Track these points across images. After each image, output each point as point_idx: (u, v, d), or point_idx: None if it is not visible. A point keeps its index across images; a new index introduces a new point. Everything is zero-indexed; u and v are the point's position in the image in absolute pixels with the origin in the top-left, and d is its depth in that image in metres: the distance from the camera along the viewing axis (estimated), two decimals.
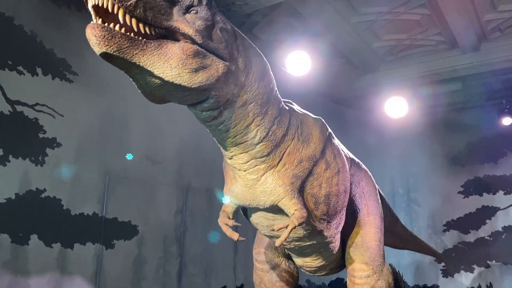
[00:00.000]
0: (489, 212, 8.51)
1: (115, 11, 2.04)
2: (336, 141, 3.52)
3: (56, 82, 4.30)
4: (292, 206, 2.99)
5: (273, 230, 3.43)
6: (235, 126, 2.72)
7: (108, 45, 2.07)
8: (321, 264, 3.91)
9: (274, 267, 4.02)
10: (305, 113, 3.48)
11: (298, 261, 4.04)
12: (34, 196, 4.17)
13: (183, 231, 5.38)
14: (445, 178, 8.95)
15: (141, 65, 2.20)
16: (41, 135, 4.23)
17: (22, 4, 4.30)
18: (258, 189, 3.02)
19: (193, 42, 2.39)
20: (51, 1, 4.51)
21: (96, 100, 4.65)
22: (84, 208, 4.41)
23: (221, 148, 3.00)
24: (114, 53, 2.09)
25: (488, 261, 8.36)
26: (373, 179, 4.10)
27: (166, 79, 2.34)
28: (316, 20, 8.08)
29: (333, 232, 3.75)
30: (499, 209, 8.53)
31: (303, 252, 3.83)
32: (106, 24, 2.05)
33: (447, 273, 8.44)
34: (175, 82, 2.33)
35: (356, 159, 3.92)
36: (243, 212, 3.44)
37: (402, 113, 9.12)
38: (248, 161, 2.90)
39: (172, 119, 5.51)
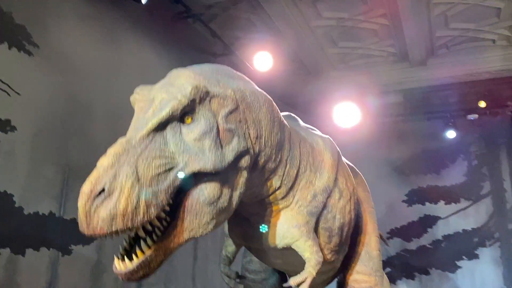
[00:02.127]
0: (430, 221, 8.86)
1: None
2: (343, 159, 3.25)
3: (13, 53, 3.54)
4: (307, 249, 2.65)
5: (281, 265, 3.10)
6: (250, 188, 2.32)
7: (157, 262, 1.77)
8: (321, 281, 3.65)
9: (266, 278, 3.66)
10: (312, 132, 3.15)
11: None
12: None
13: None
14: (390, 187, 9.18)
15: (186, 241, 1.81)
16: None
17: None
18: (270, 231, 2.66)
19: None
20: None
21: (58, 80, 3.94)
22: (40, 206, 3.68)
23: None
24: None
25: (428, 268, 8.68)
26: (366, 183, 3.91)
27: (202, 235, 1.89)
28: (278, 19, 7.88)
29: (341, 258, 3.48)
30: (440, 218, 8.92)
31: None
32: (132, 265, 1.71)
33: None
34: (211, 230, 1.90)
35: (350, 163, 3.69)
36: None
37: (350, 121, 9.20)
38: (259, 206, 2.54)
39: None
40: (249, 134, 2.15)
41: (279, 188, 2.51)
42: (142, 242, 1.76)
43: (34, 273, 3.61)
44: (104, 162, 1.63)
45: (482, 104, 8.62)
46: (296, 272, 3.51)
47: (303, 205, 2.68)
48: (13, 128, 3.49)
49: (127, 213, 1.59)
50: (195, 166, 1.81)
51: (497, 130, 8.96)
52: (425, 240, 8.83)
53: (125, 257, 1.76)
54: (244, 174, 2.12)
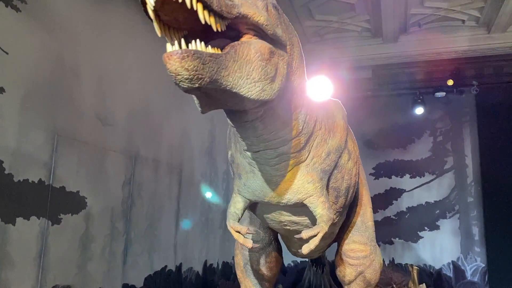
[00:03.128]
0: (396, 193, 9.23)
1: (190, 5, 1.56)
2: None
3: (0, 8, 3.26)
4: (320, 205, 2.69)
5: (285, 225, 3.10)
6: (273, 123, 2.31)
7: (201, 79, 1.65)
8: (319, 248, 3.71)
9: (264, 246, 3.70)
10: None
11: (294, 245, 3.78)
12: None
13: (130, 205, 4.70)
14: None
15: (228, 88, 1.76)
16: None
17: None
18: (283, 185, 2.65)
19: (260, 35, 1.89)
20: None
21: (46, 39, 3.68)
22: (29, 174, 3.49)
23: (239, 141, 2.54)
24: (207, 85, 1.69)
25: (392, 238, 9.11)
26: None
27: (251, 97, 1.85)
28: None
29: (341, 222, 3.57)
30: (404, 191, 9.31)
31: (305, 241, 3.58)
32: (187, 44, 1.63)
33: None
34: (257, 99, 1.87)
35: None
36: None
37: (322, 94, 9.25)
38: (277, 157, 2.51)
39: (124, 76, 4.73)
40: (288, 34, 2.16)
41: (299, 134, 2.50)
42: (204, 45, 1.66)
43: (25, 243, 3.46)
44: None
45: (450, 82, 8.94)
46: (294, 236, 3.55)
47: (318, 162, 2.70)
48: (1, 90, 3.25)
49: None
50: (248, 10, 1.79)
51: (462, 108, 9.35)
52: (390, 211, 9.22)
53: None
54: (285, 66, 2.06)
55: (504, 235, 8.47)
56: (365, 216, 3.81)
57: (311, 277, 7.09)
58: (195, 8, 1.59)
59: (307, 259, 6.91)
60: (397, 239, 9.07)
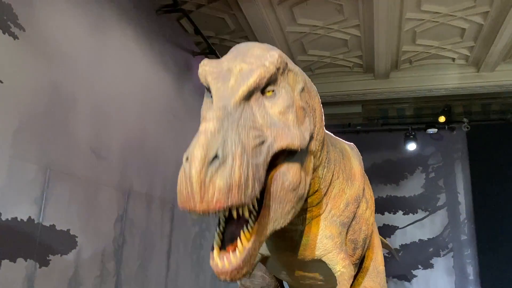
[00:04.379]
0: (389, 230, 9.08)
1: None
2: None
3: None
4: (339, 262, 2.49)
5: (298, 279, 2.90)
6: None
7: (248, 272, 1.56)
8: None
9: (265, 286, 3.46)
10: (336, 138, 3.03)
11: None
12: None
13: (122, 243, 4.42)
14: None
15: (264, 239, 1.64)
16: None
17: None
18: (299, 241, 2.47)
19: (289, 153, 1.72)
20: None
21: (43, 68, 3.49)
22: (18, 211, 3.21)
23: None
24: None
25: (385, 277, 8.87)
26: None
27: (282, 226, 1.73)
28: (254, 21, 7.70)
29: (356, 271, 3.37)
30: (398, 228, 9.17)
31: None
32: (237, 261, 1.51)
33: None
34: (289, 221, 1.76)
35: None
36: None
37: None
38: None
39: (121, 106, 4.54)
40: (312, 118, 2.00)
41: (316, 191, 2.33)
42: (241, 233, 1.53)
43: None
44: (209, 126, 1.39)
45: (442, 119, 8.99)
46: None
47: (336, 215, 2.51)
48: None
49: (241, 184, 1.36)
50: (283, 142, 1.61)
51: (454, 144, 9.38)
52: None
53: (227, 252, 1.51)
54: (312, 160, 1.95)
55: (498, 276, 8.34)
56: (376, 261, 3.61)
57: None
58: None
59: None
60: (390, 277, 8.86)
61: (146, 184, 4.87)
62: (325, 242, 2.45)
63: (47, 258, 3.43)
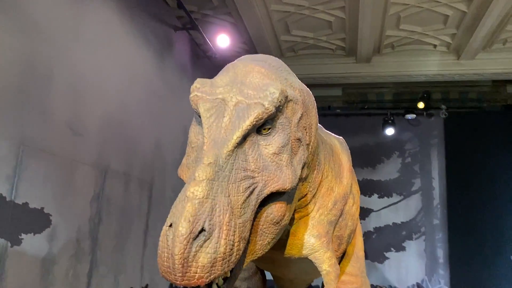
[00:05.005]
0: (364, 213, 9.21)
1: None
2: None
3: None
4: (326, 261, 2.48)
5: (282, 272, 2.88)
6: None
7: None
8: (307, 283, 3.52)
9: (250, 276, 3.45)
10: (326, 132, 2.97)
11: (286, 283, 3.57)
12: None
13: (98, 222, 4.32)
14: None
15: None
16: None
17: None
18: (286, 240, 2.43)
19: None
20: None
21: (18, 40, 3.29)
22: None
23: None
24: None
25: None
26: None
27: (257, 257, 1.73)
28: None
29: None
30: (372, 210, 9.31)
31: (300, 280, 3.37)
32: None
33: None
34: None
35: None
36: None
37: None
38: None
39: (99, 84, 4.36)
40: (307, 142, 1.93)
41: (304, 196, 2.30)
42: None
43: None
44: (198, 192, 1.35)
45: (421, 105, 9.07)
46: (293, 281, 3.32)
47: (324, 214, 2.48)
48: None
49: (225, 257, 1.34)
50: (274, 186, 1.59)
51: (431, 131, 9.51)
52: None
53: None
54: (300, 186, 1.92)
55: (467, 260, 8.61)
56: (356, 246, 3.64)
57: None
58: None
59: None
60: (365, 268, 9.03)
61: (124, 163, 4.74)
62: (312, 242, 2.43)
63: (19, 237, 3.31)
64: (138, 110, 4.99)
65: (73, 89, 3.93)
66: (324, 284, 2.44)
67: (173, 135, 6.06)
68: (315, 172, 2.32)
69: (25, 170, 3.36)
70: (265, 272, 3.72)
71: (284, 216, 1.71)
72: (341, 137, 3.11)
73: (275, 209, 1.66)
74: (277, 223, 1.68)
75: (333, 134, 3.02)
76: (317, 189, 2.39)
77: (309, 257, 2.46)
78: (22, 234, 3.35)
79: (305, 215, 2.39)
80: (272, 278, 4.35)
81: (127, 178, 4.76)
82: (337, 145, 2.86)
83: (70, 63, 3.86)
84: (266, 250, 1.72)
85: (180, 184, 5.39)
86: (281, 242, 2.37)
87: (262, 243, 1.66)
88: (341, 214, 2.65)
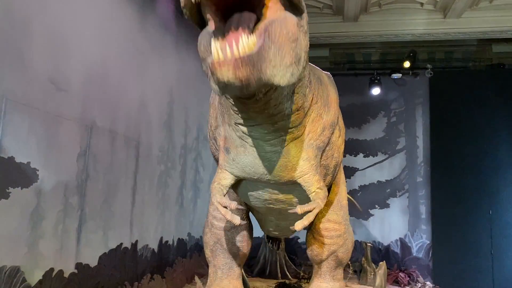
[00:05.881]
0: (350, 172, 9.37)
1: None
2: None
3: None
4: (314, 183, 2.58)
5: (269, 203, 2.94)
6: (276, 98, 2.13)
7: (250, 84, 1.55)
8: (289, 232, 3.61)
9: (236, 225, 3.53)
10: (315, 67, 3.01)
11: (270, 224, 3.64)
12: None
13: (85, 178, 4.34)
14: None
15: (263, 82, 1.62)
16: None
17: None
18: (277, 162, 2.50)
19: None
20: None
21: None
22: None
23: (230, 114, 2.34)
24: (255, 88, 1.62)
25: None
26: None
27: (282, 84, 1.71)
28: None
29: None
30: (358, 169, 9.47)
31: (285, 219, 3.45)
32: (238, 50, 1.51)
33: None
34: (287, 84, 1.73)
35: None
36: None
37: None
38: (274, 132, 2.36)
39: (80, 36, 4.28)
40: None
41: (299, 109, 2.34)
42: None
43: None
44: None
45: (407, 64, 9.08)
46: (275, 221, 3.42)
47: (313, 138, 2.58)
48: None
49: None
50: None
51: (416, 90, 9.57)
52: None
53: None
54: (306, 38, 1.98)
55: (448, 215, 8.88)
56: (340, 195, 3.75)
57: (267, 253, 7.04)
58: None
59: (262, 235, 6.86)
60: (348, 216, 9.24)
61: (109, 120, 4.72)
62: (301, 164, 2.52)
63: (7, 190, 3.32)
64: (120, 66, 4.93)
65: (53, 44, 3.86)
66: (312, 201, 2.53)
67: (158, 94, 6.03)
68: (308, 89, 2.37)
69: (8, 124, 3.34)
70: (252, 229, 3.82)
71: (296, 39, 1.74)
72: (328, 72, 3.17)
73: (289, 25, 1.70)
74: (292, 41, 1.70)
75: (320, 69, 3.06)
76: (308, 110, 2.44)
77: (299, 180, 2.55)
78: (10, 188, 3.36)
79: (296, 138, 2.46)
80: (260, 228, 4.46)
81: (113, 135, 4.76)
82: (324, 77, 2.94)
83: (50, 11, 3.77)
84: (286, 80, 1.71)
85: (167, 143, 5.44)
86: (272, 163, 2.44)
87: (282, 61, 1.67)
88: (328, 143, 2.74)
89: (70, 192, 4.12)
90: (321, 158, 2.72)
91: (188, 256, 6.94)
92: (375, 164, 9.47)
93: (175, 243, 6.55)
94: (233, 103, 2.18)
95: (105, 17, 4.72)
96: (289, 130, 2.38)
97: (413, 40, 9.65)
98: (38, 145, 3.69)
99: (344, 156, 9.62)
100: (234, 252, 3.55)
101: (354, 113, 9.54)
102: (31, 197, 3.62)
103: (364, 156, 9.46)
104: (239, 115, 2.26)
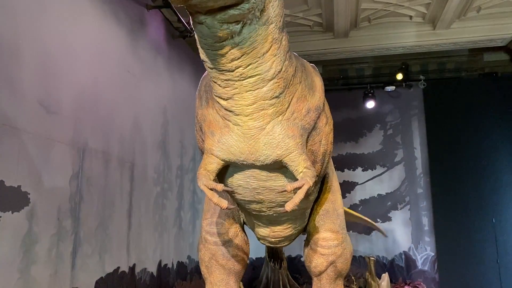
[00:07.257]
0: (349, 186, 9.31)
1: None
2: None
3: None
4: (302, 162, 2.55)
5: (258, 193, 2.89)
6: (252, 51, 2.18)
7: None
8: (289, 233, 3.53)
9: (230, 239, 3.48)
10: (301, 58, 3.04)
11: (264, 231, 3.57)
12: None
13: (79, 201, 4.30)
14: None
15: None
16: None
17: None
18: (262, 140, 2.48)
19: None
20: None
21: None
22: None
23: (214, 86, 2.35)
24: None
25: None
26: None
27: None
28: None
29: (315, 197, 3.44)
30: (357, 184, 9.40)
31: (277, 220, 3.38)
32: None
33: None
34: None
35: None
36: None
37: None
38: (255, 103, 2.36)
39: (70, 58, 4.30)
40: None
41: (277, 75, 2.31)
42: None
43: None
44: None
45: (399, 76, 9.13)
46: (263, 216, 3.31)
47: (298, 118, 2.56)
48: None
49: None
50: None
51: (411, 101, 9.60)
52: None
53: None
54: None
55: (451, 225, 8.77)
56: (336, 203, 3.69)
57: (269, 273, 6.92)
58: None
59: (264, 255, 6.76)
60: (350, 231, 9.13)
61: (102, 142, 4.71)
62: (287, 141, 2.49)
63: None
64: (112, 88, 4.95)
65: (43, 66, 3.88)
66: (302, 177, 2.48)
67: (152, 115, 6.03)
68: (287, 61, 2.35)
69: None
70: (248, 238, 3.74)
71: None
72: (313, 64, 3.20)
73: None
74: None
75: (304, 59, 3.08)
76: (289, 84, 2.42)
77: (285, 160, 2.50)
78: (0, 212, 3.31)
79: (280, 114, 2.44)
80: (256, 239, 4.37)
81: (106, 156, 4.73)
82: (309, 65, 2.96)
83: (38, 37, 3.80)
84: None
85: (162, 164, 5.39)
86: (257, 142, 2.41)
87: None
88: (314, 127, 2.71)
89: (63, 215, 4.07)
90: (308, 143, 2.70)
91: (188, 279, 6.82)
92: (374, 177, 9.41)
93: (175, 266, 6.45)
94: (211, 67, 2.23)
95: (96, 40, 4.76)
96: (270, 101, 2.38)
97: (405, 53, 9.72)
98: (29, 168, 3.66)
99: (343, 170, 9.60)
100: (230, 267, 3.47)
101: (350, 127, 9.53)
102: (23, 221, 3.57)
103: (363, 170, 9.41)
104: (218, 81, 2.29)
